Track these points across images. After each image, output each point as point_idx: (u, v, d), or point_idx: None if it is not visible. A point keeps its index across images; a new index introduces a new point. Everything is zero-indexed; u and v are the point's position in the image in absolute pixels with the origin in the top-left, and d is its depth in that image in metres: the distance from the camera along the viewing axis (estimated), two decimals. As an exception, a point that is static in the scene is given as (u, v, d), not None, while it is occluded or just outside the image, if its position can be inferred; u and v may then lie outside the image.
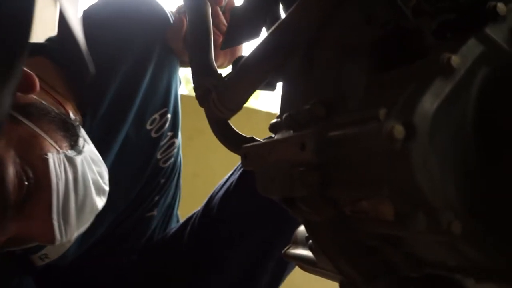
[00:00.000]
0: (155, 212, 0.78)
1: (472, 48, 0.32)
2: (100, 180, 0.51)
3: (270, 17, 0.49)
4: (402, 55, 0.36)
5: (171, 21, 0.75)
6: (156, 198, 0.77)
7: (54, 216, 0.44)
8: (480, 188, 0.31)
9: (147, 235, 0.77)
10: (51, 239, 0.46)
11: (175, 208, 0.85)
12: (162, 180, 0.77)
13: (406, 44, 0.35)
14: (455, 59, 0.31)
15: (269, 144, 0.41)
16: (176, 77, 0.77)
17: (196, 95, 0.50)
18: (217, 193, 0.74)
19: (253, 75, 0.43)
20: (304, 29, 0.40)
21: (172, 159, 0.78)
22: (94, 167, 0.51)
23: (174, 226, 0.84)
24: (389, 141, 0.29)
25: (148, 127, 0.72)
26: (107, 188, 0.53)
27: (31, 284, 0.65)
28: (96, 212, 0.52)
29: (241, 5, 0.51)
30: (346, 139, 0.33)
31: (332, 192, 0.36)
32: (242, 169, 0.73)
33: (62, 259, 0.62)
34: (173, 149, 0.77)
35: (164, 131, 0.74)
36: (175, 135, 0.77)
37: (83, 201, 0.48)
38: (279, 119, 0.47)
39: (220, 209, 0.72)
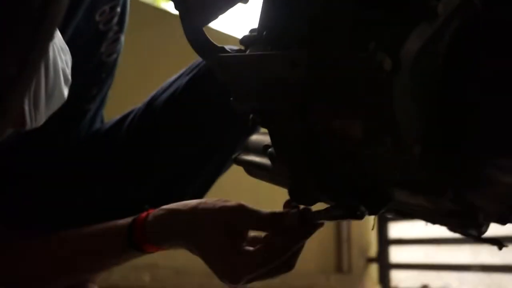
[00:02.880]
0: (91, 106, 0.76)
1: None
2: (67, 70, 0.49)
3: None
4: None
5: None
6: (95, 92, 0.75)
7: (26, 100, 0.42)
8: (436, 122, 0.36)
9: (78, 128, 0.76)
10: (22, 123, 0.44)
11: (103, 106, 0.83)
12: (103, 75, 0.75)
13: None
14: (440, 7, 0.35)
15: (252, 57, 0.43)
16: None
17: (172, -3, 0.49)
18: (161, 95, 0.74)
19: None
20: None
21: (115, 55, 0.75)
22: (62, 56, 0.48)
23: (98, 125, 0.82)
24: (377, 70, 0.33)
25: (98, 18, 0.68)
26: (70, 78, 0.51)
27: None
28: (63, 101, 0.50)
29: None
30: (335, 63, 0.37)
31: (310, 108, 0.40)
32: (189, 75, 0.73)
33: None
34: (117, 45, 0.75)
35: (112, 25, 0.71)
36: (120, 31, 0.74)
37: (53, 89, 0.46)
38: (254, 33, 0.49)
39: (164, 111, 0.72)
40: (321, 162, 0.44)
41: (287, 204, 0.52)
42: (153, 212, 0.55)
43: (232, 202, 0.53)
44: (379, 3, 0.39)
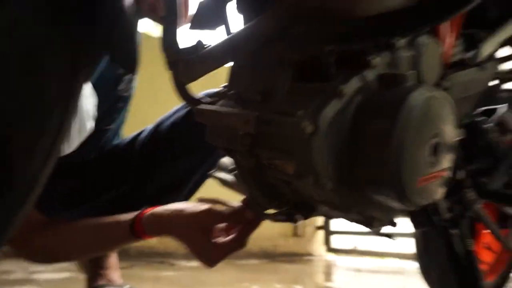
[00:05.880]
0: (111, 126, 0.77)
1: (355, 82, 0.38)
2: (92, 108, 0.50)
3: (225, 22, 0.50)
4: (317, 74, 0.40)
5: None
6: (115, 116, 0.76)
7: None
8: (345, 165, 0.38)
9: (102, 141, 0.77)
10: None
11: (122, 126, 0.84)
12: (121, 105, 0.76)
13: (321, 69, 0.40)
14: (345, 89, 0.37)
15: (221, 112, 0.44)
16: (138, 32, 0.74)
17: (166, 62, 0.50)
18: (165, 121, 0.75)
19: (217, 61, 0.45)
20: (261, 36, 0.42)
21: (130, 90, 0.77)
22: (89, 99, 0.49)
23: (119, 140, 0.83)
24: (302, 133, 0.35)
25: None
26: (96, 113, 0.52)
27: None
28: (91, 131, 0.51)
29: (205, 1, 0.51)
30: (275, 123, 0.38)
31: (258, 150, 0.42)
32: (186, 109, 0.75)
33: None
34: (132, 83, 0.76)
35: None
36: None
37: (83, 125, 0.48)
38: (225, 89, 0.50)
39: (169, 133, 0.74)
40: (266, 185, 0.46)
41: (244, 201, 0.54)
42: (146, 213, 0.57)
43: (204, 206, 0.54)
44: (310, 79, 0.41)
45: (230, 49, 0.44)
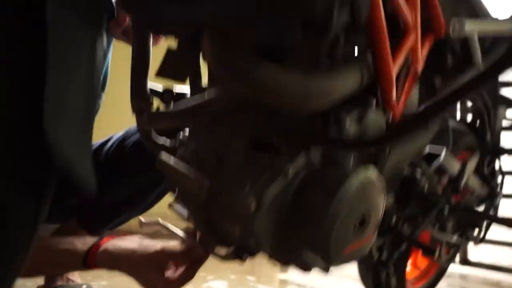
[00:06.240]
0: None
1: (301, 159, 0.42)
2: None
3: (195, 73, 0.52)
4: (269, 145, 0.44)
5: (115, 15, 0.69)
6: None
7: None
8: (280, 233, 0.43)
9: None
10: None
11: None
12: (89, 118, 0.77)
13: (273, 145, 0.44)
14: (291, 169, 0.41)
15: (179, 171, 0.47)
16: (109, 53, 0.75)
17: (132, 107, 0.52)
18: (131, 137, 0.77)
19: (182, 120, 0.48)
20: (218, 107, 0.45)
21: (97, 106, 0.77)
22: None
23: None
24: (247, 209, 0.40)
25: None
26: None
27: None
28: None
29: (175, 49, 0.52)
30: (225, 194, 0.43)
31: (209, 208, 0.46)
32: None
33: None
34: (99, 100, 0.77)
35: None
36: (102, 90, 0.76)
37: None
38: (185, 140, 0.53)
39: (133, 148, 0.76)
40: (217, 230, 0.51)
41: (186, 230, 0.59)
42: (100, 249, 0.60)
43: (158, 245, 0.58)
44: (262, 148, 0.45)
45: (188, 114, 0.47)
